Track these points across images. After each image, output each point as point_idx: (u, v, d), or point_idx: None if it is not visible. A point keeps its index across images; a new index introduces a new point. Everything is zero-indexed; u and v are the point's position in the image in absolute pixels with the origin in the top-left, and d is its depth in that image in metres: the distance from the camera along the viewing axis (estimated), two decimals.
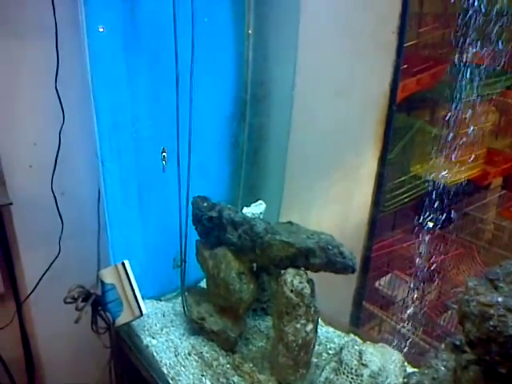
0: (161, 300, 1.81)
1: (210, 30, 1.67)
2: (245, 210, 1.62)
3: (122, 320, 1.55)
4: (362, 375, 1.25)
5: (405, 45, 1.90)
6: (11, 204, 1.61)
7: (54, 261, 1.73)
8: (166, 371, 1.47)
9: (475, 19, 1.80)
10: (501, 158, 2.52)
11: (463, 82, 1.93)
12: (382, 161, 2.04)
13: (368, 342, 1.39)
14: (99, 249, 1.71)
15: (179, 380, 1.44)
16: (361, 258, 2.10)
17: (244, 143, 1.91)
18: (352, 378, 1.25)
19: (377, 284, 2.23)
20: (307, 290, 1.31)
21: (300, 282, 1.31)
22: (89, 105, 1.50)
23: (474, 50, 1.88)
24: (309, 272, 1.39)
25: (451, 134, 2.03)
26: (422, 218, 2.10)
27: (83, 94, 1.51)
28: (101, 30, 1.47)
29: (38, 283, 1.75)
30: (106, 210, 1.63)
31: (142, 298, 1.55)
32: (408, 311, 2.15)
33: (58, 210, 1.71)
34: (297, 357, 1.36)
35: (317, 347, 1.48)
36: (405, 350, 2.16)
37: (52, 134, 1.63)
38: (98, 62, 1.46)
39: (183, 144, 1.58)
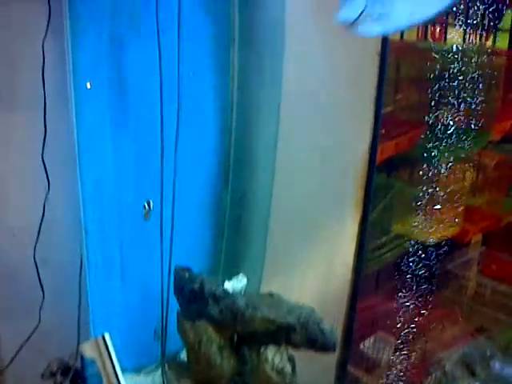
0: (140, 373, 1.78)
1: (195, 86, 1.70)
2: (226, 284, 1.62)
3: None
4: None
5: (382, 111, 1.98)
6: None
7: (33, 332, 1.69)
8: None
9: (449, 82, 1.89)
10: (479, 216, 2.57)
11: (440, 144, 2.00)
12: (363, 223, 2.08)
13: None
14: (79, 318, 1.68)
15: None
16: (344, 321, 2.10)
17: (226, 208, 1.93)
18: None
19: (361, 346, 2.22)
20: (287, 370, 1.31)
21: (281, 361, 1.31)
22: (74, 171, 1.52)
23: (449, 113, 1.96)
24: None
25: (430, 194, 2.09)
26: (404, 276, 2.11)
27: (68, 162, 1.53)
28: (88, 86, 1.49)
29: (14, 356, 1.70)
30: (88, 279, 1.62)
31: (122, 372, 1.52)
32: (392, 375, 2.13)
33: (40, 280, 1.69)
34: None
35: None
36: None
37: (37, 202, 1.63)
38: (83, 118, 1.48)
39: (167, 209, 1.60)
